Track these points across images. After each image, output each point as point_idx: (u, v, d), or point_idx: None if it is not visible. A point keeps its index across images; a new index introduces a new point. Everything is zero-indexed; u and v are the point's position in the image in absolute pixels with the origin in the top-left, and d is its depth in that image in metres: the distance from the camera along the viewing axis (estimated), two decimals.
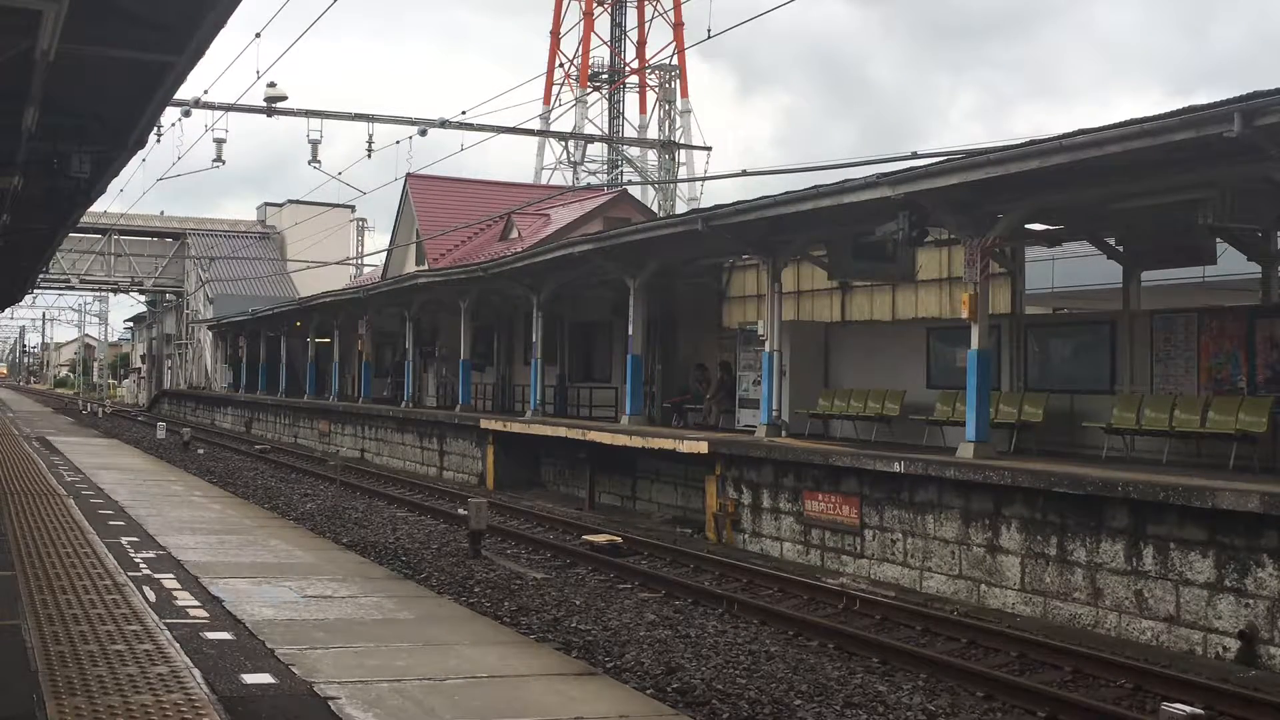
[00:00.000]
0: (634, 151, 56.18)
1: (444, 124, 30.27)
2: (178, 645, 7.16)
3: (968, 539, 14.28)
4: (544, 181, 58.13)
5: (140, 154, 14.58)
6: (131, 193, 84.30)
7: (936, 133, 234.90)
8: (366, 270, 58.19)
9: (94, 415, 57.59)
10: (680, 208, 43.91)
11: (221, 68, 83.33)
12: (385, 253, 47.78)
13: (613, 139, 56.13)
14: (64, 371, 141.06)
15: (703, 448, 19.00)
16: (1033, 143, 13.59)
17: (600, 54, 64.33)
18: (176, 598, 8.87)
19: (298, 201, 57.20)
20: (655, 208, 43.13)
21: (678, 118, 60.78)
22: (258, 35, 23.73)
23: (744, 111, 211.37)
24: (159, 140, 27.53)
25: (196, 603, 8.73)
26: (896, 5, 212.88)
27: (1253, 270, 17.27)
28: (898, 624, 12.77)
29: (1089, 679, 10.55)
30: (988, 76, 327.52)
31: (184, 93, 26.05)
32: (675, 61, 62.10)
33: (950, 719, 9.45)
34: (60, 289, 69.57)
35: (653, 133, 60.02)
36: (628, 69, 64.25)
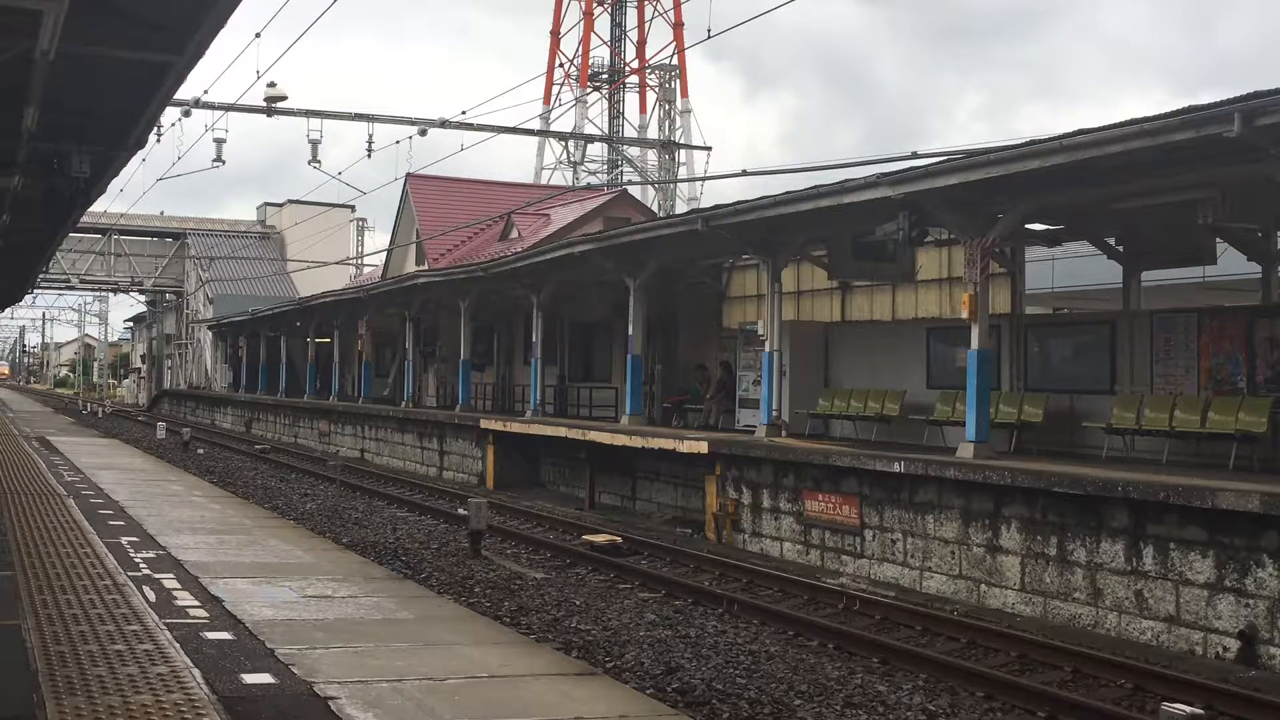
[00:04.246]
0: (634, 151, 56.16)
1: (444, 124, 30.27)
2: (178, 645, 7.16)
3: (968, 539, 14.28)
4: (544, 181, 58.08)
5: (140, 154, 14.58)
6: (131, 193, 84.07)
7: (942, 133, 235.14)
8: (366, 270, 58.17)
9: (94, 415, 57.59)
10: (680, 208, 43.86)
11: (221, 68, 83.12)
12: (385, 253, 47.80)
13: (613, 139, 56.09)
14: (64, 371, 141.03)
15: (703, 448, 19.00)
16: (1033, 143, 13.59)
17: (600, 54, 64.34)
18: (176, 598, 8.87)
19: (298, 201, 57.19)
20: (655, 208, 43.08)
21: (678, 118, 60.75)
22: (258, 35, 23.76)
23: (750, 111, 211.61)
24: (159, 140, 27.57)
25: (196, 603, 8.73)
26: (902, 5, 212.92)
27: (1253, 270, 17.26)
28: (898, 624, 12.77)
29: (1089, 679, 10.55)
30: (993, 77, 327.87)
31: (184, 93, 26.03)
32: (675, 61, 62.12)
33: (950, 719, 9.46)
34: (60, 289, 69.59)
35: (653, 133, 59.98)
36: (628, 69, 64.23)
